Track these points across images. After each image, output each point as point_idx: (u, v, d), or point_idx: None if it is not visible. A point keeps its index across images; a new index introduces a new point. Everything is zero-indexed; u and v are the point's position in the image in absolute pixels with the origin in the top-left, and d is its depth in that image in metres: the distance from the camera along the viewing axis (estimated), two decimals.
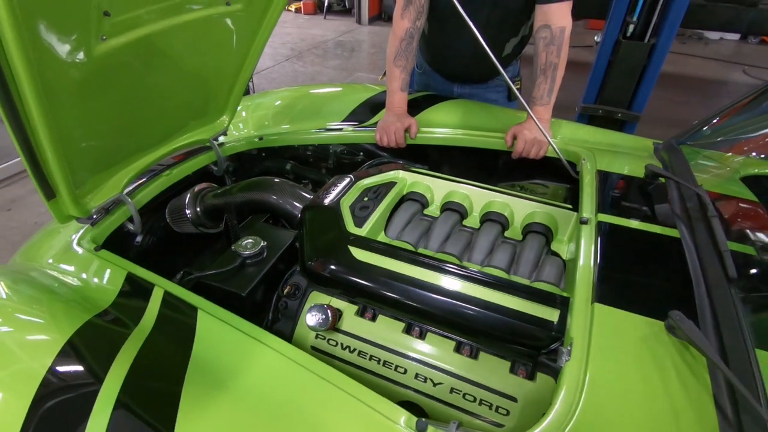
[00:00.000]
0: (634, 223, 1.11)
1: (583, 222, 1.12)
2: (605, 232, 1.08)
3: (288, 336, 1.19)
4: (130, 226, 1.46)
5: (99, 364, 0.83)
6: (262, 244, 1.27)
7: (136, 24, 1.15)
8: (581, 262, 1.00)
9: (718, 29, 5.82)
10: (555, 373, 0.99)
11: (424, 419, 0.76)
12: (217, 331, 0.95)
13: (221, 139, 1.88)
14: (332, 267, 1.15)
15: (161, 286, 1.08)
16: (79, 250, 1.27)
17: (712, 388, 0.73)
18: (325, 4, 8.87)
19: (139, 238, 1.60)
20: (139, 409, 0.77)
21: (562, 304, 1.00)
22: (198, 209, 1.62)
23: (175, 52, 1.33)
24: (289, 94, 2.19)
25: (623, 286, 0.94)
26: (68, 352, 0.86)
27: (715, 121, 1.57)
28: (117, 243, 1.46)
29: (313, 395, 0.81)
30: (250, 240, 1.29)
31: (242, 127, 2.04)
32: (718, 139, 1.59)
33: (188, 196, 1.62)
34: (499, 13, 1.67)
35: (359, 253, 1.16)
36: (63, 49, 0.97)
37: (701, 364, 0.76)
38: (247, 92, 2.00)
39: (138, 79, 1.26)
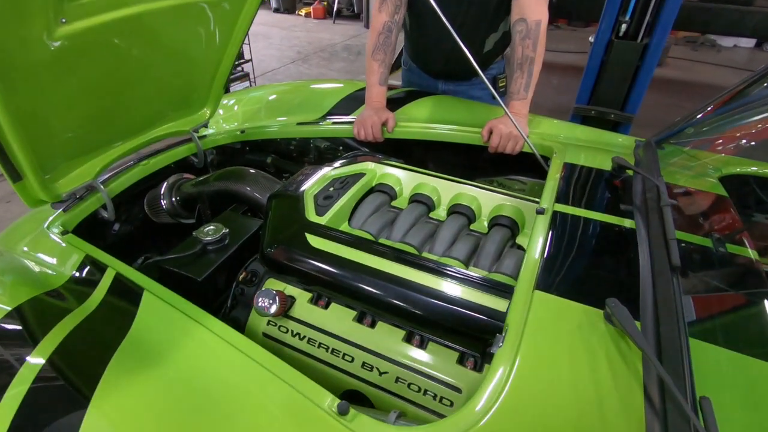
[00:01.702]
0: (591, 214, 1.08)
1: (539, 212, 1.10)
2: (559, 222, 1.06)
3: (243, 322, 1.18)
4: (104, 214, 1.48)
5: (32, 336, 0.84)
6: (223, 231, 1.27)
7: (102, 9, 1.17)
8: (531, 250, 0.97)
9: (722, 32, 5.70)
10: None
11: (345, 402, 0.74)
12: (159, 312, 0.94)
13: (209, 131, 1.90)
14: (288, 254, 1.15)
15: (114, 268, 1.08)
16: (49, 235, 1.29)
17: (643, 379, 0.70)
18: (334, 8, 8.96)
19: (116, 227, 1.62)
20: (59, 383, 0.77)
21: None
22: (174, 199, 1.63)
23: (150, 40, 1.34)
24: (285, 88, 2.20)
25: (568, 274, 0.91)
26: (6, 322, 0.87)
27: (698, 116, 1.53)
28: (93, 231, 1.47)
29: (242, 377, 0.80)
30: (211, 227, 1.29)
31: (232, 120, 2.06)
32: (700, 137, 1.55)
33: (164, 186, 1.64)
34: (476, 10, 1.65)
35: (315, 241, 1.15)
36: (20, 30, 0.98)
37: (636, 355, 0.73)
38: None
39: (111, 66, 1.27)
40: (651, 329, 0.74)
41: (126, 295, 1.00)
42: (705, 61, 6.84)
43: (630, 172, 1.22)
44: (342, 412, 0.73)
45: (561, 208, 1.10)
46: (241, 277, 1.21)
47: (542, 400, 0.70)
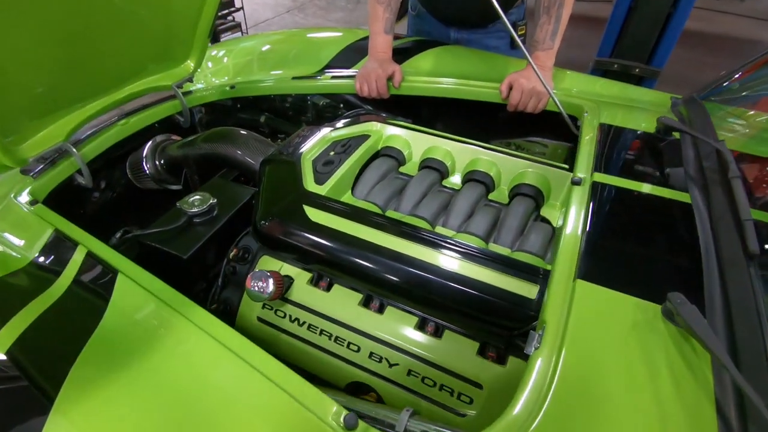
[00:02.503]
0: (637, 186, 0.93)
1: (575, 182, 0.95)
2: (600, 195, 0.91)
3: (235, 305, 1.06)
4: (81, 180, 1.33)
5: None
6: (211, 201, 1.13)
7: None
8: (567, 229, 0.83)
9: None
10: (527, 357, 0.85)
11: (353, 412, 0.63)
12: (135, 299, 0.81)
13: (197, 86, 1.71)
14: (284, 229, 1.01)
15: (86, 245, 0.94)
16: (16, 205, 1.14)
17: (714, 391, 0.58)
18: None
19: (96, 195, 1.47)
20: (18, 383, 0.65)
21: (544, 279, 0.85)
22: (158, 163, 1.47)
23: None
24: (279, 38, 1.98)
25: (615, 260, 0.78)
26: None
27: (741, 74, 1.35)
28: (70, 200, 1.33)
29: (230, 383, 0.68)
30: (197, 196, 1.14)
31: (222, 74, 1.86)
32: (747, 93, 1.37)
33: (146, 148, 1.47)
34: None
35: (315, 214, 1.01)
36: None
37: (704, 361, 0.61)
38: None
39: (77, 8, 1.08)
40: (722, 331, 0.62)
41: (98, 279, 0.87)
42: (726, 11, 6.42)
43: (678, 135, 1.06)
44: (350, 426, 0.62)
45: (600, 178, 0.95)
46: (231, 254, 1.08)
47: (592, 415, 0.58)
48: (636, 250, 0.80)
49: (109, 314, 0.78)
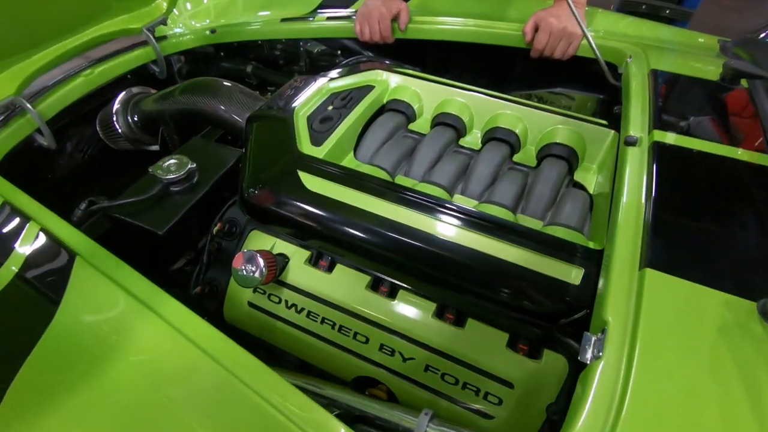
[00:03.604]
0: (715, 148, 0.76)
1: (630, 142, 0.78)
2: (665, 159, 0.74)
3: (223, 287, 0.92)
4: (42, 141, 1.15)
5: None
6: (189, 166, 0.96)
7: None
8: (623, 201, 0.68)
9: None
10: (569, 352, 0.72)
11: None
12: (95, 290, 0.67)
13: (174, 30, 1.49)
14: (275, 199, 0.85)
15: (39, 221, 0.79)
16: None
17: None
18: None
19: (63, 159, 1.30)
20: None
21: (586, 259, 0.71)
22: (130, 119, 1.29)
23: None
24: None
25: (693, 243, 0.63)
26: None
27: None
28: (32, 165, 1.16)
29: (211, 401, 0.55)
30: (173, 160, 0.97)
31: (202, 17, 1.62)
32: None
33: (116, 102, 1.28)
34: None
35: (312, 181, 0.85)
36: None
37: None
38: None
39: None
40: None
41: (52, 264, 0.72)
42: None
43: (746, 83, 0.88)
44: None
45: (663, 137, 0.78)
46: (215, 229, 0.92)
47: None
48: (720, 230, 0.65)
49: (63, 310, 0.64)
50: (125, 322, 0.62)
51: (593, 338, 0.55)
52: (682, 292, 0.55)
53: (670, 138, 0.78)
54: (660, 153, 0.75)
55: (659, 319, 0.53)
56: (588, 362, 0.53)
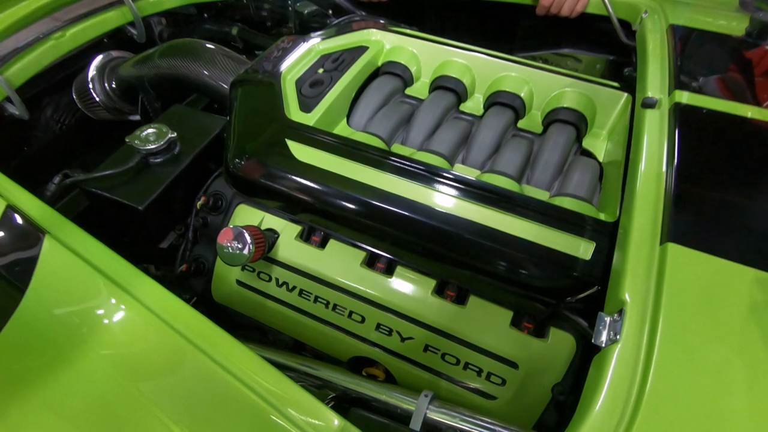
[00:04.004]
0: (742, 109, 0.70)
1: (648, 104, 0.72)
2: (688, 122, 0.68)
3: (209, 265, 0.87)
4: (13, 111, 1.07)
5: None
6: (170, 135, 0.89)
7: None
8: (642, 168, 0.62)
9: None
10: (577, 330, 0.68)
11: None
12: (66, 271, 0.61)
13: None
14: (262, 170, 0.79)
15: (5, 197, 0.72)
16: None
17: None
18: None
19: (38, 129, 1.22)
20: None
21: (598, 233, 0.66)
22: (107, 86, 1.21)
23: None
24: None
25: (719, 215, 0.57)
26: None
27: None
28: (1, 135, 1.09)
29: (188, 393, 0.50)
30: (151, 129, 0.90)
31: None
32: None
33: (92, 67, 1.20)
34: None
35: (301, 151, 0.79)
36: None
37: None
38: None
39: None
40: None
41: (19, 244, 0.66)
42: None
43: None
44: None
45: (685, 98, 0.72)
46: (199, 203, 0.86)
47: None
48: (749, 201, 0.59)
49: (30, 295, 0.59)
50: (98, 305, 0.57)
51: (608, 319, 0.50)
52: (708, 268, 0.50)
53: (693, 99, 0.71)
54: (682, 115, 0.68)
55: (683, 298, 0.48)
56: (603, 345, 0.49)
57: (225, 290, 0.85)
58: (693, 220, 0.55)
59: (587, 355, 0.67)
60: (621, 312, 0.49)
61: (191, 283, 0.90)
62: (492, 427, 0.62)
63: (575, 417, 0.46)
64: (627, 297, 0.50)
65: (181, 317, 0.55)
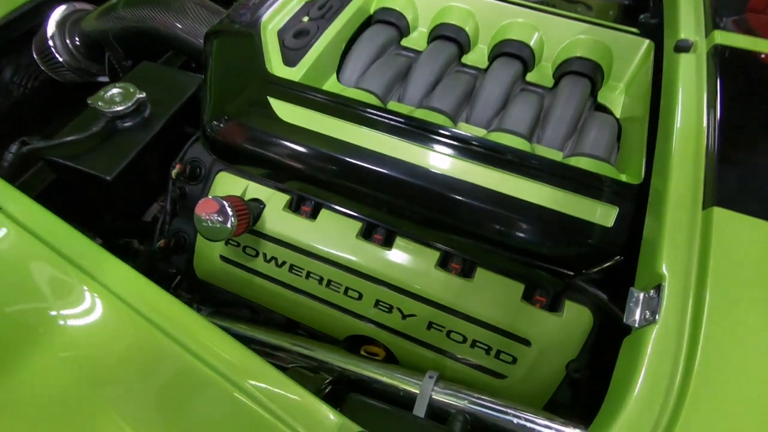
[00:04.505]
0: None
1: (683, 47, 0.63)
2: (729, 66, 0.59)
3: (190, 241, 0.80)
4: None
5: None
6: (138, 95, 0.79)
7: None
8: (677, 122, 0.54)
9: None
10: (594, 303, 0.63)
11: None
12: (18, 254, 0.54)
13: None
14: (243, 133, 0.71)
15: None
16: None
17: None
18: None
19: None
20: None
21: (620, 196, 0.60)
22: (71, 44, 1.09)
23: None
24: None
25: None
26: None
27: None
28: None
29: (161, 391, 0.44)
30: (116, 90, 0.80)
31: None
32: None
33: (50, 23, 1.07)
34: None
35: (286, 110, 0.70)
36: None
37: None
38: None
39: None
40: None
41: None
42: None
43: None
44: None
45: (727, 39, 0.62)
46: (174, 171, 0.78)
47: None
48: None
49: None
50: (53, 290, 0.50)
51: (641, 295, 0.44)
52: (761, 234, 0.43)
53: (735, 40, 0.62)
54: (723, 59, 0.60)
55: (732, 271, 0.41)
56: (636, 325, 0.43)
57: (208, 267, 0.78)
58: (741, 181, 0.48)
59: (606, 329, 0.62)
60: (659, 288, 0.42)
61: (172, 259, 0.82)
62: (502, 408, 0.58)
63: (605, 406, 0.41)
64: (665, 270, 0.43)
65: (150, 301, 0.48)
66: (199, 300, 0.86)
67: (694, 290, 0.41)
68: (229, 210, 0.63)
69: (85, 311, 0.48)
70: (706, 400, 0.36)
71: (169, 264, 0.84)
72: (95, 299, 0.48)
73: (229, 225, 0.63)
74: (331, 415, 0.42)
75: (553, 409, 0.65)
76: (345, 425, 0.41)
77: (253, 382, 0.42)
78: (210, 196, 0.65)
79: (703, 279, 0.41)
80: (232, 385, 0.41)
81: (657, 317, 0.40)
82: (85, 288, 0.48)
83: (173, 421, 0.42)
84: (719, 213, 0.45)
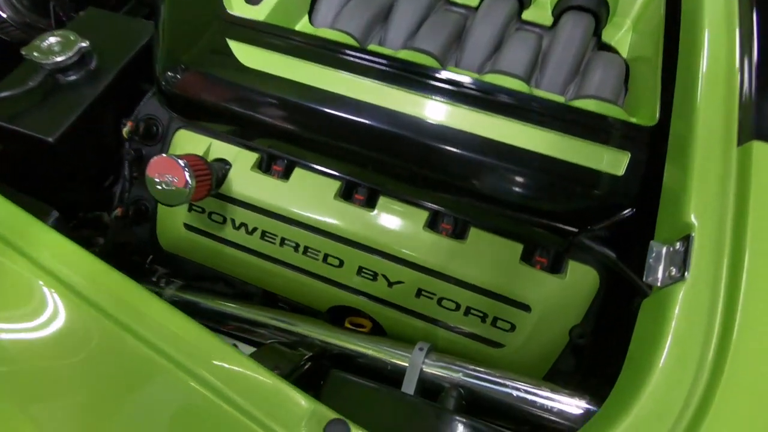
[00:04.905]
0: None
1: None
2: None
3: (151, 209, 0.72)
4: None
5: None
6: (80, 44, 0.69)
7: None
8: (705, 49, 0.46)
9: None
10: (600, 263, 0.56)
11: (342, 424, 0.34)
12: None
13: None
14: (201, 83, 0.62)
15: None
16: None
17: None
18: None
19: None
20: None
21: (632, 140, 0.53)
22: None
23: None
24: None
25: None
26: None
27: None
28: None
29: (100, 380, 0.37)
30: (55, 38, 0.69)
31: None
32: None
33: None
34: None
35: (249, 54, 0.61)
36: None
37: None
38: None
39: None
40: None
41: None
42: None
43: None
44: None
45: None
46: (125, 130, 0.69)
47: None
48: None
49: None
50: None
51: (665, 249, 0.37)
52: None
53: None
54: None
55: None
56: (659, 284, 0.36)
57: (172, 237, 0.70)
58: None
59: (614, 291, 0.56)
60: (686, 240, 0.36)
61: (133, 230, 0.75)
62: (499, 380, 0.53)
63: (622, 381, 0.35)
64: (694, 219, 0.36)
65: (82, 272, 0.40)
66: (171, 274, 0.79)
67: (731, 239, 0.34)
68: (185, 170, 0.55)
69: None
70: (747, 373, 0.30)
71: (131, 235, 0.76)
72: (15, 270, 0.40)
73: (186, 187, 0.55)
74: (302, 401, 0.35)
75: (554, 378, 0.60)
76: (317, 412, 0.35)
77: (207, 367, 0.35)
78: (163, 155, 0.57)
79: (742, 225, 0.34)
80: (181, 369, 0.35)
81: (686, 274, 0.34)
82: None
83: (109, 416, 0.35)
84: (759, 147, 0.37)
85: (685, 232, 0.36)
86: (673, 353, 0.32)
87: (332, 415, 0.35)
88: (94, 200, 0.86)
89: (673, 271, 0.35)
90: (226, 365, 0.36)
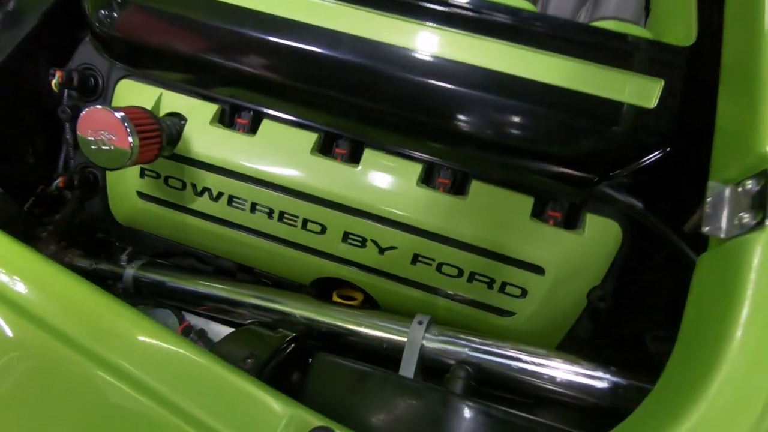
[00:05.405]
0: None
1: None
2: None
3: (101, 176, 0.62)
4: None
5: None
6: None
7: None
8: None
9: None
10: (623, 215, 0.49)
11: (322, 427, 0.26)
12: None
13: None
14: (143, 20, 0.51)
15: None
16: None
17: None
18: None
19: None
20: None
21: (668, 65, 0.44)
22: None
23: None
24: None
25: None
26: None
27: None
28: None
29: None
30: None
31: None
32: None
33: None
34: None
35: None
36: None
37: None
38: None
39: None
40: None
41: None
42: None
43: None
44: None
45: None
46: (54, 82, 0.57)
47: None
48: None
49: None
50: None
51: (729, 191, 0.29)
52: None
53: None
54: None
55: None
56: (723, 234, 0.28)
57: (127, 208, 0.60)
58: None
59: (639, 247, 0.49)
60: (762, 176, 0.27)
61: (82, 202, 0.64)
62: (512, 353, 0.46)
63: (675, 359, 0.27)
64: (762, 148, 0.28)
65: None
66: (134, 252, 0.69)
67: None
68: (124, 124, 0.45)
69: None
70: None
71: (81, 209, 0.66)
72: None
73: (127, 146, 0.45)
74: (275, 405, 0.27)
75: (569, 346, 0.53)
76: (295, 417, 0.27)
77: (150, 370, 0.27)
78: (98, 107, 0.46)
79: None
80: (104, 370, 0.26)
81: (766, 220, 0.26)
82: None
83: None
84: None
85: (759, 168, 0.28)
86: (755, 322, 0.25)
87: (315, 421, 0.27)
88: (40, 172, 0.75)
89: (745, 217, 0.27)
90: (172, 363, 0.28)
